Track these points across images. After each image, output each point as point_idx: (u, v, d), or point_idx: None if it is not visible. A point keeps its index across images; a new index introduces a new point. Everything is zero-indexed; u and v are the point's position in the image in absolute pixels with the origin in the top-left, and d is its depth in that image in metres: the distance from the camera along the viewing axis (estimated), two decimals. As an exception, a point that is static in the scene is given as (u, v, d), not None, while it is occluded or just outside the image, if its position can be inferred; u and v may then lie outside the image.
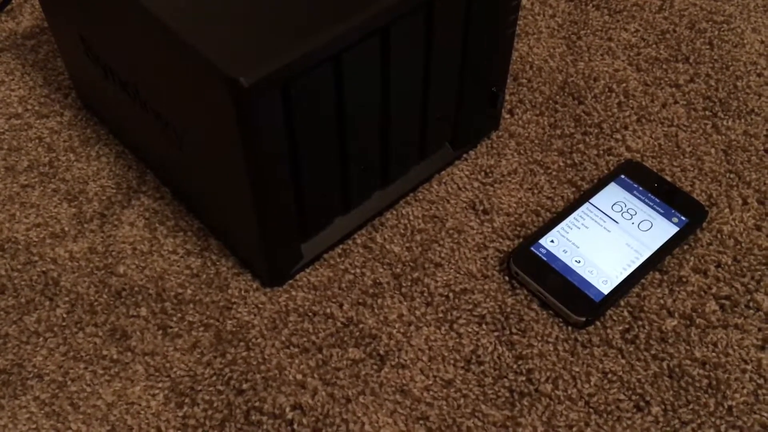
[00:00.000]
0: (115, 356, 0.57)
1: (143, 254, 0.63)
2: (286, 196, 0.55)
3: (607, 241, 0.63)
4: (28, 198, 0.67)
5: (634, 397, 0.56)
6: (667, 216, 0.64)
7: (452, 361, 0.57)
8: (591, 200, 0.65)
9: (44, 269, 0.62)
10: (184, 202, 0.66)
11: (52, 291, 0.61)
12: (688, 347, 0.58)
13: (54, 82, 0.76)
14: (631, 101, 0.75)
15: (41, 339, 0.58)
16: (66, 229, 0.65)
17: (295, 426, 0.54)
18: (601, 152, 0.71)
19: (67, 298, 0.61)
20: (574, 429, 0.54)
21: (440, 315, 0.60)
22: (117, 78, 0.61)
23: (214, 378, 0.56)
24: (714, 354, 0.58)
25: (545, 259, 0.61)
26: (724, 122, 0.73)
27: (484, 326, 0.59)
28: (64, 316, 0.60)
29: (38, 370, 0.57)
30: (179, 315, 0.59)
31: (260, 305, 0.60)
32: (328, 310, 0.60)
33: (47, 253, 0.63)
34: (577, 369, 0.57)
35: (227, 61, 0.46)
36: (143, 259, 0.63)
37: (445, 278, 0.62)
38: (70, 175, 0.69)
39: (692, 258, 0.63)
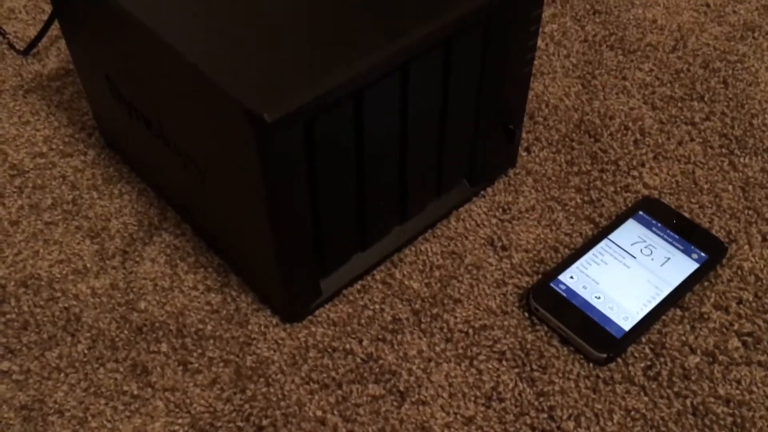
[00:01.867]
0: (135, 392, 0.57)
1: (164, 290, 0.63)
2: (305, 232, 0.56)
3: (626, 277, 0.63)
4: (52, 235, 0.68)
5: (657, 435, 0.55)
6: (687, 252, 0.64)
7: (473, 398, 0.57)
8: (610, 236, 0.65)
9: (66, 305, 0.63)
10: (205, 238, 0.67)
11: (74, 327, 0.61)
12: (711, 384, 0.57)
13: (78, 122, 0.78)
14: (647, 139, 0.75)
15: (62, 375, 0.59)
16: (88, 265, 0.65)
17: (315, 463, 0.54)
18: (619, 189, 0.71)
19: (88, 334, 0.61)
20: (598, 467, 0.53)
21: (460, 351, 0.59)
22: (141, 115, 0.62)
23: (233, 414, 0.56)
24: (738, 391, 0.57)
25: (565, 295, 0.61)
26: (741, 159, 0.73)
27: (504, 363, 0.59)
28: (86, 351, 0.60)
29: (59, 405, 0.57)
30: (199, 351, 0.60)
31: (280, 341, 0.60)
32: (347, 346, 0.60)
33: (69, 289, 0.64)
34: (600, 406, 0.56)
35: (251, 96, 0.47)
36: (164, 295, 0.63)
37: (464, 314, 0.62)
38: (92, 213, 0.69)
39: (713, 294, 0.63)
